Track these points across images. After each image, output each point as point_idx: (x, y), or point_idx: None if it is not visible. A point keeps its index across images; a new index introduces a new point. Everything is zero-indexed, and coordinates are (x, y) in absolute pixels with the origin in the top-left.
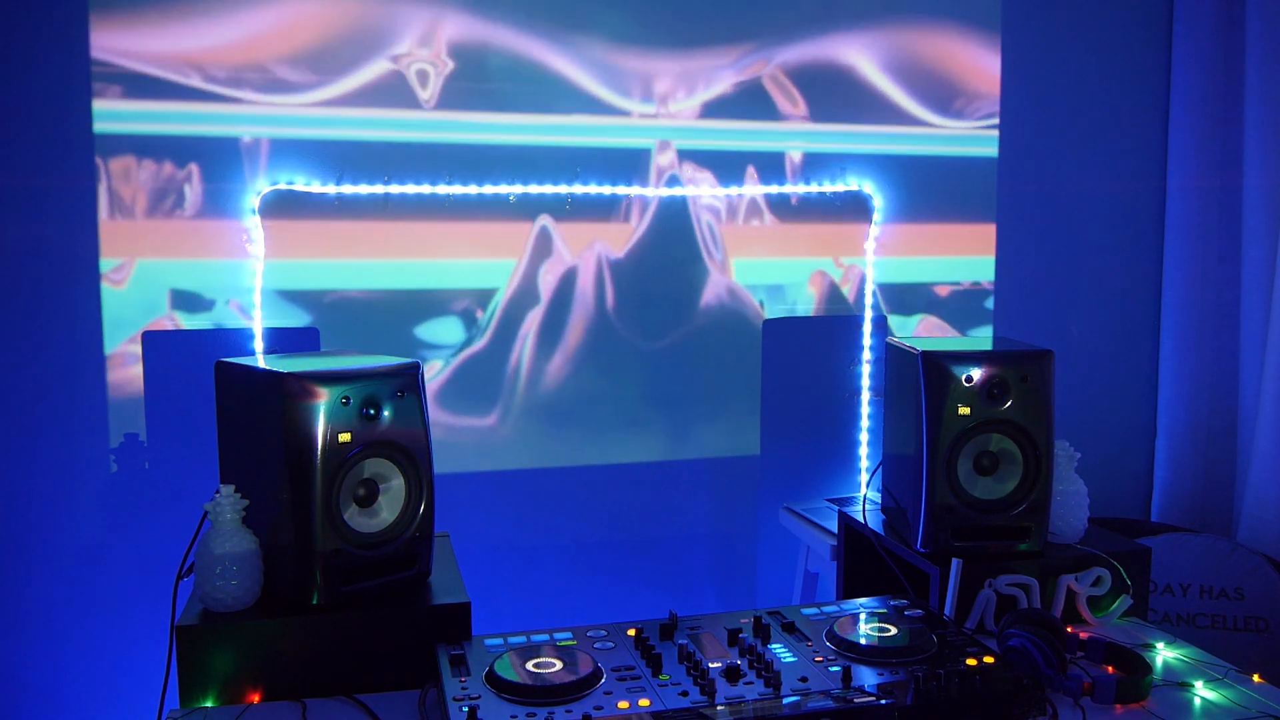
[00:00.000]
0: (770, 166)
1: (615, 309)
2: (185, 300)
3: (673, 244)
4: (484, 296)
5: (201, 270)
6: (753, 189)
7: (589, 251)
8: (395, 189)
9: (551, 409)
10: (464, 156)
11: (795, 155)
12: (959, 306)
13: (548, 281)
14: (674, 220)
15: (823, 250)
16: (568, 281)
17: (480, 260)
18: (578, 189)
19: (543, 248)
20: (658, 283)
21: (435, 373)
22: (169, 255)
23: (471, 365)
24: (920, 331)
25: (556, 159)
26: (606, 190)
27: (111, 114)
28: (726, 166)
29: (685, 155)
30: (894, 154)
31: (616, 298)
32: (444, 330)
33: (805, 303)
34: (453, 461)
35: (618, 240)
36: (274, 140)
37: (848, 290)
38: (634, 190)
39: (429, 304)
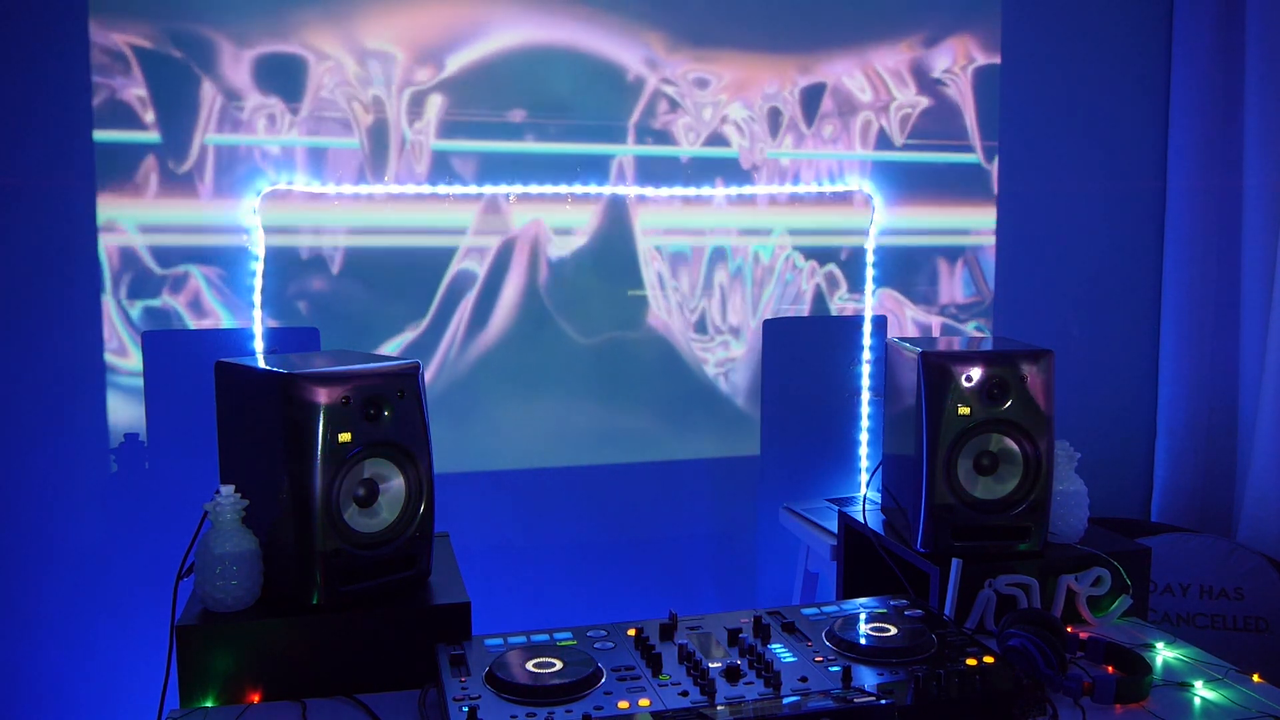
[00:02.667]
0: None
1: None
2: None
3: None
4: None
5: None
6: (754, 188)
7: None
8: (395, 189)
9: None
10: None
11: (784, 161)
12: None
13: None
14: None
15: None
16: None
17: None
18: (578, 189)
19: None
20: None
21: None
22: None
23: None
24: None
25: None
26: (606, 190)
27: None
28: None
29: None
30: (891, 160)
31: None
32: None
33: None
34: (453, 461)
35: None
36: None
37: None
38: (634, 190)
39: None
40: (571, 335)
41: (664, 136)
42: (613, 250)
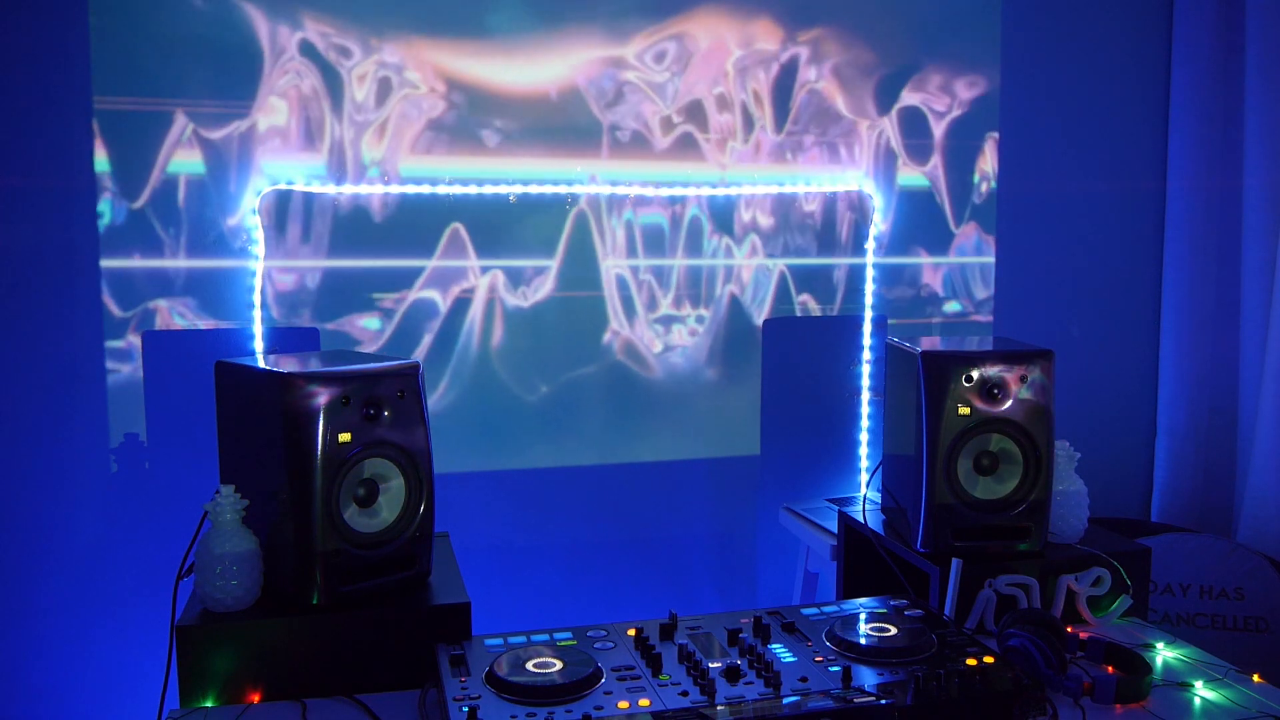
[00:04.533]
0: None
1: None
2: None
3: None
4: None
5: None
6: (752, 189)
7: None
8: (395, 189)
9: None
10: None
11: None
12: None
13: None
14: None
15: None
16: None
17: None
18: (578, 188)
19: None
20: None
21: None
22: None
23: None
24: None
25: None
26: (615, 190)
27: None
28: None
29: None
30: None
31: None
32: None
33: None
34: (453, 461)
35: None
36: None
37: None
38: (635, 190)
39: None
40: (568, 336)
41: (636, 137)
42: (597, 253)
